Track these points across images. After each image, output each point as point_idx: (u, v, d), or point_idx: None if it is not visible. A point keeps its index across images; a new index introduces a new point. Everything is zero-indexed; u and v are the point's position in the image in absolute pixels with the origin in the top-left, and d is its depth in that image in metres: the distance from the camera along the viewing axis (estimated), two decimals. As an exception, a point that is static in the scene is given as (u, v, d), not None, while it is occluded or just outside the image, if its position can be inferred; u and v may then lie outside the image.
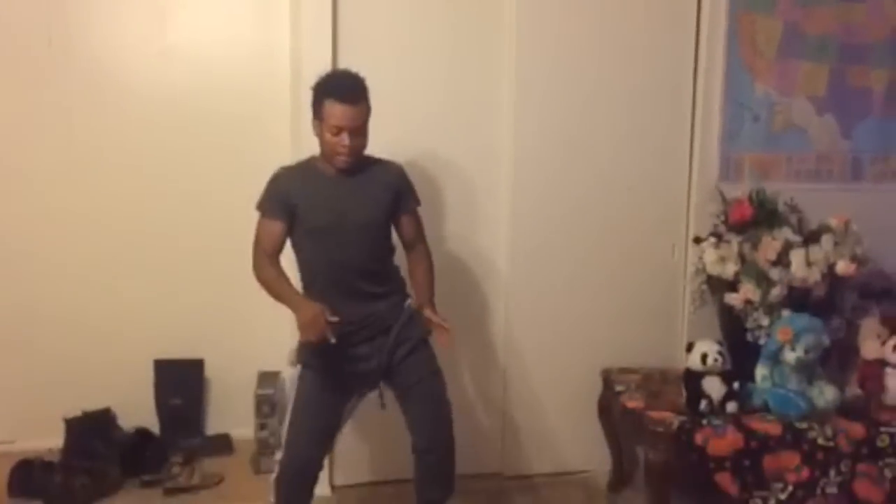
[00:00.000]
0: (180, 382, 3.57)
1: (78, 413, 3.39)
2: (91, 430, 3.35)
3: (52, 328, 3.52)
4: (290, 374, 2.82)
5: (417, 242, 2.87)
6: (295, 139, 3.10)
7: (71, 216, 3.50)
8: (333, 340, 2.47)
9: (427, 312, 2.74)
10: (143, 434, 3.41)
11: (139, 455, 3.31)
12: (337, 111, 2.56)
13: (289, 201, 2.66)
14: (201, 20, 3.51)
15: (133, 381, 3.53)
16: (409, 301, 2.80)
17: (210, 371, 3.64)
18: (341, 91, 2.57)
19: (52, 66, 3.41)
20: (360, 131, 2.61)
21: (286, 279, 2.66)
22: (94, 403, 3.43)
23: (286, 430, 2.67)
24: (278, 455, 2.68)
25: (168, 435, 3.51)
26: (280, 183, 2.70)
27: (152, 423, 3.52)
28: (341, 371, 2.65)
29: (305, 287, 2.74)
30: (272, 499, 2.66)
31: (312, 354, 2.65)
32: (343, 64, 2.97)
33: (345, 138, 2.58)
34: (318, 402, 2.64)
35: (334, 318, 2.49)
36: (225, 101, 3.51)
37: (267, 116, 3.44)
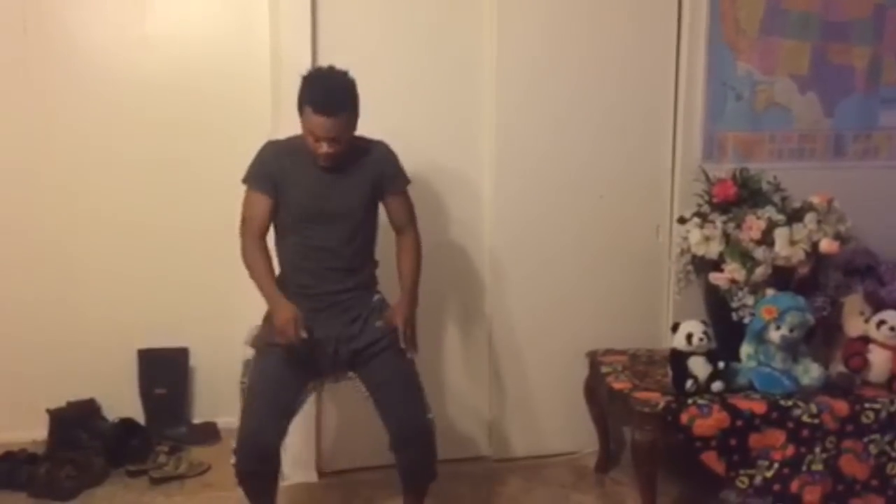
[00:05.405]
0: (165, 371, 3.56)
1: (62, 404, 3.39)
2: (75, 420, 3.35)
3: (34, 319, 3.50)
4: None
5: (407, 226, 2.75)
6: (275, 123, 3.07)
7: (50, 205, 3.47)
8: (304, 335, 2.47)
9: (397, 319, 2.61)
10: (128, 424, 3.40)
11: (124, 445, 3.31)
12: (314, 121, 2.49)
13: (274, 176, 2.62)
14: (180, 3, 3.47)
15: (117, 370, 3.52)
16: (377, 296, 2.73)
17: (195, 359, 3.63)
18: (320, 103, 2.47)
19: (28, 53, 3.37)
20: (339, 140, 2.53)
21: (270, 272, 2.62)
22: (78, 394, 3.42)
23: (242, 409, 2.61)
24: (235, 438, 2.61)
25: (153, 424, 3.50)
26: (268, 156, 2.65)
27: (137, 413, 3.51)
28: (298, 354, 2.59)
29: (280, 265, 2.72)
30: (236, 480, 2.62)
31: (270, 341, 2.61)
32: (322, 46, 2.94)
33: (323, 146, 2.52)
34: (274, 382, 2.59)
35: (304, 334, 2.49)
36: (205, 86, 3.48)
37: (247, 100, 3.40)
